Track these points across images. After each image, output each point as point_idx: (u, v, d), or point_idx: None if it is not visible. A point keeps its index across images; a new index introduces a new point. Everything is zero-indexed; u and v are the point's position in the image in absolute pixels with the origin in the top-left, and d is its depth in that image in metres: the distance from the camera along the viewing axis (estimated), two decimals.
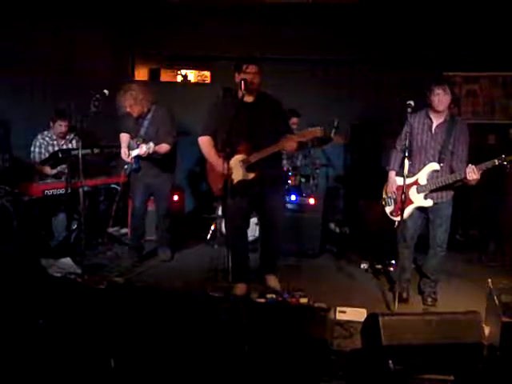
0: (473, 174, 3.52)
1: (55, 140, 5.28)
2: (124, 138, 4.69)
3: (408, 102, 3.65)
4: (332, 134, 5.35)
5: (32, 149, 5.24)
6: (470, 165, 3.56)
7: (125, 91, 4.42)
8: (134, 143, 4.55)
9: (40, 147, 5.26)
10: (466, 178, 3.55)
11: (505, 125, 6.12)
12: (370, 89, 6.18)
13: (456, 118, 3.87)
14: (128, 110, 4.47)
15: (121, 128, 4.72)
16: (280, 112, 3.91)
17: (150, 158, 4.47)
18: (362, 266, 4.85)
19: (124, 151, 4.60)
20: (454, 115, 3.86)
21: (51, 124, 5.24)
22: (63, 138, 5.31)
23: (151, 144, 4.31)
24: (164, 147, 4.49)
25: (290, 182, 5.38)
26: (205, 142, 3.92)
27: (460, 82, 6.23)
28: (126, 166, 4.69)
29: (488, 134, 6.13)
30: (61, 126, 5.22)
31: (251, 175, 3.74)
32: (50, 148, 5.27)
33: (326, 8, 6.11)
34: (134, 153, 4.46)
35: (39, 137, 5.27)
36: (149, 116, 4.57)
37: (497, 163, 3.48)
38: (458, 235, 5.70)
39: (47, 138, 5.27)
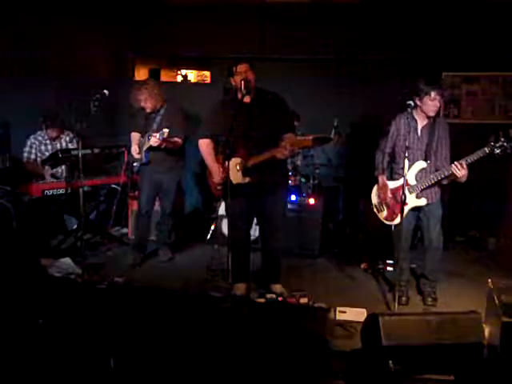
0: (460, 168, 3.53)
1: (47, 140, 5.32)
2: (135, 136, 4.72)
3: (408, 102, 3.65)
4: (332, 134, 5.35)
5: (24, 149, 5.28)
6: (455, 162, 3.57)
7: (140, 86, 4.52)
8: (146, 139, 4.55)
9: (31, 147, 5.32)
10: (453, 174, 3.57)
11: (505, 125, 6.10)
12: (370, 89, 6.17)
13: (438, 118, 3.86)
14: (142, 104, 4.51)
15: (132, 126, 4.76)
16: (279, 105, 3.85)
17: (161, 150, 4.46)
18: (362, 266, 4.85)
19: (134, 148, 4.65)
20: (436, 115, 3.85)
21: (44, 127, 5.29)
22: (56, 139, 5.34)
23: (164, 130, 4.24)
24: (176, 140, 4.52)
25: (290, 182, 5.37)
26: (204, 145, 3.92)
27: (460, 82, 6.22)
28: (135, 164, 4.71)
29: (488, 134, 6.12)
30: (53, 131, 5.29)
31: (248, 179, 3.73)
32: (43, 147, 5.31)
33: (326, 8, 6.11)
34: (146, 146, 4.48)
35: (31, 137, 5.34)
36: (161, 112, 4.61)
37: (487, 151, 3.49)
38: (458, 235, 5.70)
39: (40, 138, 5.34)
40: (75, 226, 5.09)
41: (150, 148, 4.46)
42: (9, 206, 4.66)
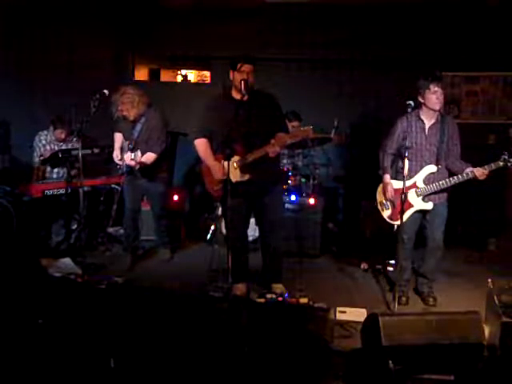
0: (483, 174, 3.58)
1: (55, 141, 5.33)
2: (118, 138, 4.69)
3: (408, 102, 3.64)
4: (332, 134, 5.34)
5: (38, 144, 5.28)
6: (478, 168, 3.59)
7: (120, 95, 4.38)
8: (126, 145, 4.54)
9: (39, 141, 5.32)
10: (476, 178, 3.60)
11: (505, 125, 6.12)
12: (369, 89, 6.17)
13: (446, 117, 3.85)
14: (125, 113, 4.42)
15: (116, 128, 4.72)
16: (274, 106, 3.87)
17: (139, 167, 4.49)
18: (362, 266, 4.84)
19: (116, 154, 4.60)
20: (443, 114, 3.85)
21: (51, 128, 5.28)
22: (63, 141, 5.34)
23: (138, 153, 4.32)
24: (150, 157, 4.47)
25: (289, 181, 5.37)
26: (201, 145, 3.86)
27: (460, 82, 6.22)
28: (119, 167, 4.69)
29: (488, 134, 6.13)
30: (61, 133, 5.28)
31: (247, 176, 3.73)
32: (49, 147, 5.31)
33: (326, 8, 6.11)
34: (124, 157, 4.46)
35: (42, 134, 5.34)
36: (142, 120, 4.52)
37: (501, 164, 3.51)
38: (458, 235, 5.70)
39: (49, 137, 5.34)
40: (60, 238, 5.08)
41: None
42: (9, 206, 4.66)
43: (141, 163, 4.42)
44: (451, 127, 3.77)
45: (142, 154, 4.44)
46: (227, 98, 3.79)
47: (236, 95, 3.73)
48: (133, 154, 4.32)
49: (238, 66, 3.66)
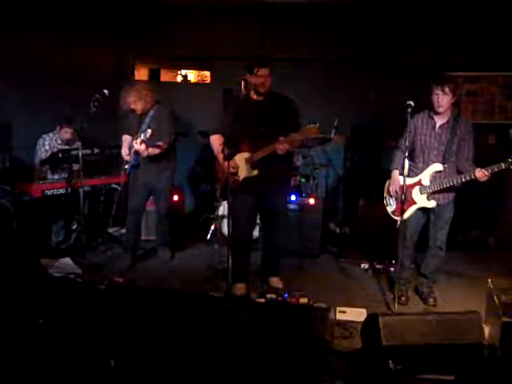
0: (484, 176, 3.53)
1: (60, 144, 5.29)
2: (127, 139, 4.72)
3: (408, 102, 3.64)
4: (332, 134, 5.34)
5: (41, 148, 5.22)
6: (478, 169, 3.55)
7: (128, 88, 4.52)
8: (134, 142, 4.56)
9: (49, 146, 5.24)
10: (477, 179, 3.56)
11: (505, 125, 6.12)
12: (369, 89, 6.17)
13: (460, 117, 3.84)
14: (132, 106, 4.51)
15: (123, 129, 4.75)
16: (291, 109, 3.95)
17: (148, 156, 4.49)
18: (362, 266, 4.85)
19: (124, 150, 4.64)
20: (459, 115, 3.84)
21: (58, 129, 5.26)
22: (68, 144, 5.31)
23: (148, 130, 4.30)
24: (159, 145, 4.51)
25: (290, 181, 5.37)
26: (216, 140, 3.97)
27: (460, 82, 6.22)
28: (126, 166, 4.70)
29: (488, 134, 6.12)
30: (66, 132, 5.22)
31: (255, 172, 3.80)
32: (51, 152, 5.28)
33: (326, 8, 6.11)
34: (133, 143, 4.49)
35: (46, 137, 5.26)
36: (151, 114, 4.60)
37: (503, 167, 3.49)
38: (458, 235, 5.70)
39: (53, 141, 5.28)
40: (60, 238, 5.08)
41: (138, 152, 4.49)
42: (9, 206, 4.65)
43: (151, 147, 4.42)
44: (464, 128, 3.73)
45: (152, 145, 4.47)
46: (245, 98, 3.87)
47: (253, 96, 3.86)
48: (142, 134, 4.31)
49: (255, 70, 3.74)
